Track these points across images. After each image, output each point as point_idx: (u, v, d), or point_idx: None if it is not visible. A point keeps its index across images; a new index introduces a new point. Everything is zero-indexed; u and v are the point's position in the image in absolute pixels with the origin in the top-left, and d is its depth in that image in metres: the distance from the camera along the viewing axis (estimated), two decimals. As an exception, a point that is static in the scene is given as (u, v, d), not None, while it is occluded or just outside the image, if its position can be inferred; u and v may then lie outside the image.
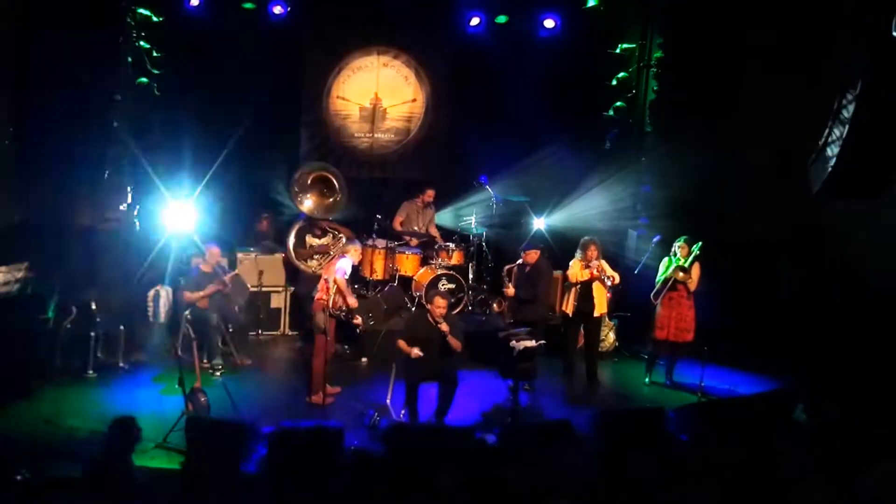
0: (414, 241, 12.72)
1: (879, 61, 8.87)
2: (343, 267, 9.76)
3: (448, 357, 9.28)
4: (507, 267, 11.13)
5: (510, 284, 10.85)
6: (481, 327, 11.87)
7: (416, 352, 9.15)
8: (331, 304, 9.56)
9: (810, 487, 6.09)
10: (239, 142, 11.88)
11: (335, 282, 9.68)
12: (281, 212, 12.92)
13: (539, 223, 12.61)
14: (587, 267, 10.64)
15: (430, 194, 12.86)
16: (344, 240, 12.00)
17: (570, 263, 10.88)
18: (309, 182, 12.02)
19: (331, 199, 12.11)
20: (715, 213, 12.39)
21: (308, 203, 11.99)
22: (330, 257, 11.82)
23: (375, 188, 13.51)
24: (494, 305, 12.40)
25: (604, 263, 10.73)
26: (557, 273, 11.84)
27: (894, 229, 10.27)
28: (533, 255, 10.76)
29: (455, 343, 9.21)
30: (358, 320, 10.04)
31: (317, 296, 9.82)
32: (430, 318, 9.27)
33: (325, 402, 9.57)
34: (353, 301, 9.79)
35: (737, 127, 12.36)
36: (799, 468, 6.66)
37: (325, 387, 9.62)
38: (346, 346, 11.68)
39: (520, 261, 10.89)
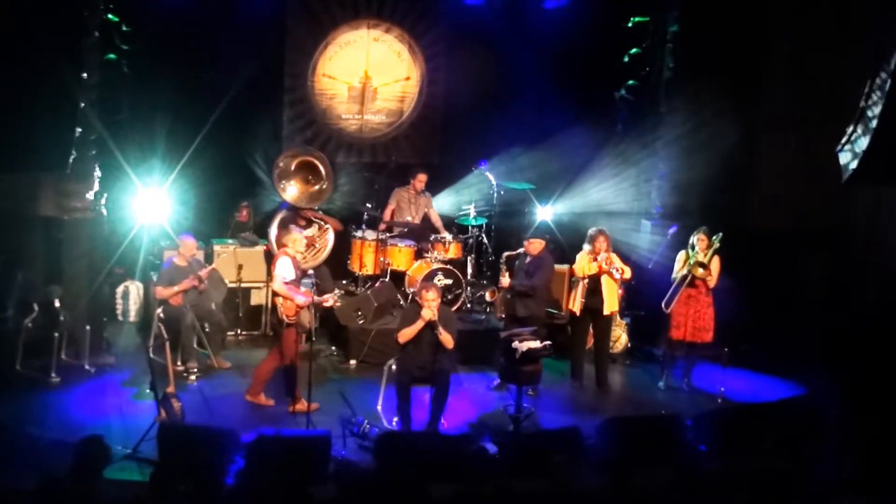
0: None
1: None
2: (280, 273, 9.63)
3: (441, 356, 9.24)
4: (506, 254, 11.08)
5: (506, 273, 10.80)
6: (481, 326, 11.83)
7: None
8: (284, 314, 9.50)
9: (845, 500, 6.07)
10: (216, 124, 11.81)
11: (275, 292, 9.62)
12: (262, 200, 12.87)
13: (544, 212, 12.56)
14: (595, 260, 10.60)
15: (421, 179, 12.77)
16: (331, 231, 11.95)
17: (577, 257, 10.84)
18: (292, 168, 11.95)
19: (316, 187, 12.05)
20: (736, 203, 12.36)
21: (292, 191, 11.92)
22: (315, 250, 11.77)
23: (365, 174, 13.43)
24: (487, 294, 12.31)
25: (613, 256, 10.69)
26: (563, 268, 11.81)
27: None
28: (537, 246, 10.71)
29: (445, 338, 9.16)
30: (328, 301, 9.94)
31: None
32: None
33: (308, 409, 9.51)
34: (302, 300, 9.65)
35: (760, 108, 12.32)
36: (829, 480, 6.64)
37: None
38: (334, 348, 11.65)
39: (521, 249, 10.85)
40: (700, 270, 10.56)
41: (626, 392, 11.19)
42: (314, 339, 9.74)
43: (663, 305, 10.80)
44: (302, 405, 9.57)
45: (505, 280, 10.81)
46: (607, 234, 10.72)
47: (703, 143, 12.08)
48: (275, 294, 9.76)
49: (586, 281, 10.69)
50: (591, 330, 11.07)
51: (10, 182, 10.58)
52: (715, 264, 10.61)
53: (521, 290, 10.62)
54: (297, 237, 10.03)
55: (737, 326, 11.16)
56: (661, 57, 12.92)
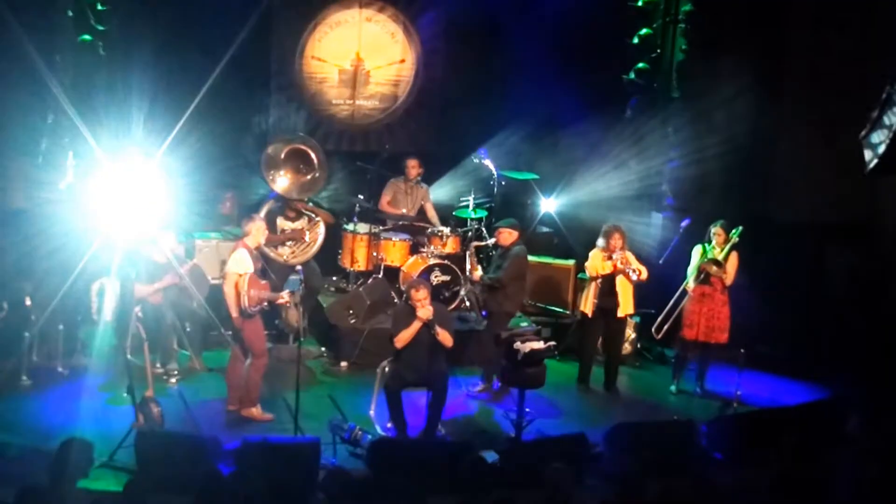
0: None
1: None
2: (234, 270, 9.42)
3: (438, 357, 9.22)
4: (473, 244, 11.05)
5: (477, 266, 10.77)
6: (481, 325, 11.81)
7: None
8: (247, 304, 9.38)
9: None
10: (198, 110, 11.74)
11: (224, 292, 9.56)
12: (247, 191, 12.84)
13: (548, 204, 12.54)
14: (609, 259, 10.54)
15: (412, 165, 12.63)
16: (322, 225, 11.92)
17: (590, 254, 10.79)
18: (282, 157, 11.91)
19: (308, 177, 11.99)
20: (753, 194, 12.35)
21: (282, 181, 11.86)
22: (305, 244, 11.75)
23: (357, 163, 13.40)
24: (461, 289, 12.22)
25: (629, 255, 10.63)
26: (568, 263, 11.80)
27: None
28: (506, 237, 10.60)
29: (444, 336, 9.14)
30: (282, 299, 9.85)
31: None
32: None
33: (260, 418, 9.52)
34: (265, 295, 9.52)
35: (779, 92, 12.30)
36: (852, 490, 6.63)
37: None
38: (324, 349, 11.64)
39: (492, 240, 10.82)
40: (714, 268, 10.52)
41: (635, 396, 11.16)
42: (302, 339, 9.71)
43: (653, 330, 10.88)
44: (255, 412, 9.55)
45: (476, 273, 10.80)
46: (623, 231, 10.65)
47: (718, 130, 12.08)
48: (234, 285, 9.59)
49: (599, 281, 10.64)
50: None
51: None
52: (732, 261, 10.55)
53: (487, 283, 10.63)
54: (261, 226, 9.85)
55: (754, 326, 11.12)
56: (674, 38, 12.89)
